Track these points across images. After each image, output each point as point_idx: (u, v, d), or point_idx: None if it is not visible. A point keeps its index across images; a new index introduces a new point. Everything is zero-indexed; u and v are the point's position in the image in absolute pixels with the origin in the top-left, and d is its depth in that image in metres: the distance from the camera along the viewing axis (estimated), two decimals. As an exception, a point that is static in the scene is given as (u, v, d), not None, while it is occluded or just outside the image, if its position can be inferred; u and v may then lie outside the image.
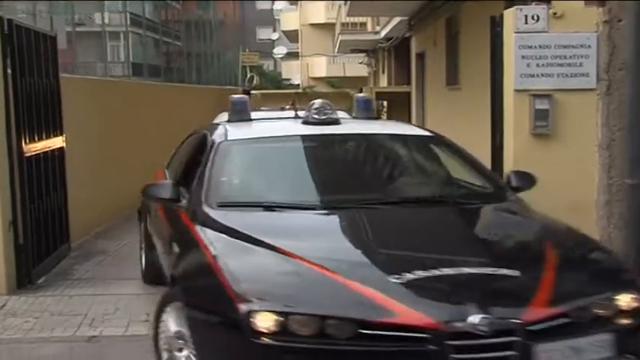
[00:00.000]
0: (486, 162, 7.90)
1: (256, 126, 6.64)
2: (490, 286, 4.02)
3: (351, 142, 6.17)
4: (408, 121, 20.46)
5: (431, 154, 6.30)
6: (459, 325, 3.60)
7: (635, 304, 4.05)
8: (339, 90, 39.52)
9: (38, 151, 7.73)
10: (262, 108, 17.15)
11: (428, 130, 6.67)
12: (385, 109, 25.91)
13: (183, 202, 5.33)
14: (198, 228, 4.82)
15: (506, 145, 7.40)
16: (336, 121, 6.08)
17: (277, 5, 54.79)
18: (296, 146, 6.00)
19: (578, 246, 4.87)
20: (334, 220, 5.02)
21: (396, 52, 23.60)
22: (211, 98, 21.29)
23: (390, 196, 5.39)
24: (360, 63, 37.47)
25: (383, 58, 27.96)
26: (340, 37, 29.34)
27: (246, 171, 5.74)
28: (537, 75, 7.23)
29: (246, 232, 4.56)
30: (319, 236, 4.72)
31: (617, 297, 4.02)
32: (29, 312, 6.68)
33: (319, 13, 44.65)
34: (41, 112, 7.88)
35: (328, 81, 43.75)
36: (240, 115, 6.59)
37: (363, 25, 28.20)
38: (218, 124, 6.56)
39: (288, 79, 52.25)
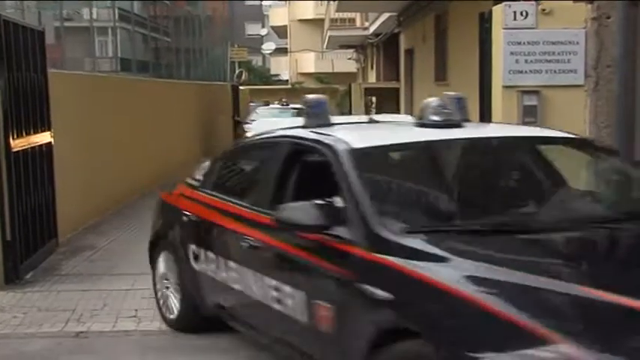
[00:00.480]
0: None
1: (361, 131, 5.46)
2: None
3: (499, 148, 5.15)
4: (397, 117, 20.50)
5: (593, 159, 5.31)
6: None
7: None
8: (327, 86, 39.60)
9: (26, 147, 7.70)
10: (251, 103, 17.17)
11: (565, 132, 5.36)
12: (374, 105, 25.94)
13: (339, 229, 4.04)
14: (407, 264, 3.66)
15: (494, 141, 7.41)
16: (458, 124, 4.95)
17: (266, 1, 54.78)
18: (442, 155, 5.06)
19: None
20: (581, 243, 4.06)
21: (385, 48, 23.62)
22: (201, 94, 21.27)
23: (611, 213, 4.52)
24: (349, 59, 37.50)
25: (372, 54, 27.98)
26: (329, 33, 29.33)
27: (407, 187, 4.72)
28: (526, 71, 7.26)
29: (500, 268, 3.52)
30: (592, 265, 3.76)
31: None
32: (17, 307, 6.65)
33: (308, 9, 44.67)
34: (29, 107, 7.85)
35: (317, 77, 43.82)
36: (319, 119, 5.25)
37: (352, 21, 28.22)
38: (302, 130, 5.24)
39: (277, 75, 52.27)
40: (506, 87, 7.27)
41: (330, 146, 4.61)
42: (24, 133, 7.66)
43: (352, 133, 4.98)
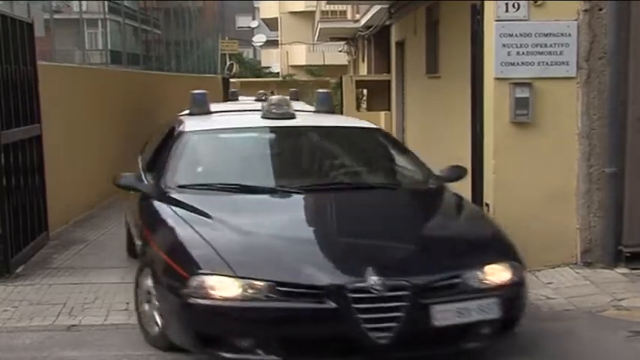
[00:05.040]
0: (467, 150, 7.93)
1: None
2: None
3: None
4: (388, 109, 20.50)
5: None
6: None
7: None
8: (319, 78, 39.52)
9: (16, 139, 7.65)
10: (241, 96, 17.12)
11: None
12: (365, 98, 25.92)
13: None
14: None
15: (486, 133, 7.41)
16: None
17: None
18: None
19: None
20: None
21: (376, 41, 23.56)
22: (193, 87, 21.17)
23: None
24: (340, 51, 37.41)
25: (363, 46, 27.93)
26: (320, 25, 29.25)
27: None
28: (518, 63, 7.24)
29: None
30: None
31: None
32: (7, 301, 6.63)
33: (299, 1, 44.51)
34: (18, 99, 7.80)
35: (308, 69, 43.70)
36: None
37: (343, 13, 28.13)
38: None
39: (268, 68, 52.11)
40: (498, 79, 7.25)
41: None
42: (14, 126, 7.62)
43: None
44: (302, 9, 43.99)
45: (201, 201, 5.64)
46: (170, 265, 4.96)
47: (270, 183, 6.01)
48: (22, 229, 7.76)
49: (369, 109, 25.02)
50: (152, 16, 27.32)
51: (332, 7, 27.51)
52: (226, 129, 7.05)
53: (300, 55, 45.94)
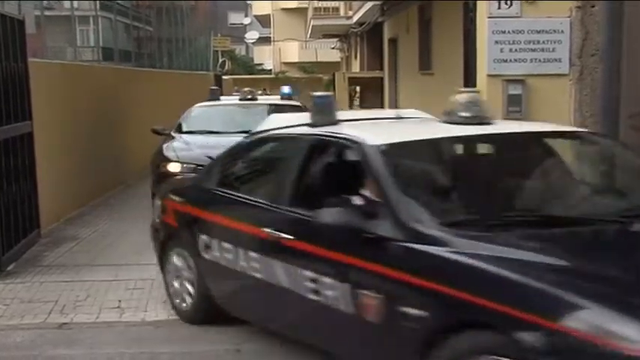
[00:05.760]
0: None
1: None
2: None
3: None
4: (381, 106, 20.50)
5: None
6: None
7: None
8: (311, 75, 39.50)
9: (7, 137, 7.61)
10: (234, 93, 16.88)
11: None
12: (358, 95, 25.93)
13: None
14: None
15: (479, 130, 7.40)
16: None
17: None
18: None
19: None
20: None
21: (369, 38, 23.56)
22: (184, 84, 21.16)
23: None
24: (333, 48, 37.40)
25: (355, 43, 27.92)
26: (312, 22, 29.23)
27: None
28: (510, 60, 7.24)
29: None
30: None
31: None
32: (-1, 299, 6.61)
33: (291, -1, 44.53)
34: (9, 96, 7.75)
35: (301, 66, 43.71)
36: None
37: (336, 10, 28.13)
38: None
39: (261, 64, 52.07)
40: (490, 76, 7.26)
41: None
42: (4, 123, 7.58)
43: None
44: (294, 6, 43.97)
45: (509, 241, 3.87)
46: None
47: (564, 210, 4.49)
48: (14, 227, 7.72)
49: (361, 106, 25.00)
50: (144, 13, 27.27)
51: (324, 4, 27.51)
52: (428, 140, 4.92)
53: (292, 52, 45.94)
